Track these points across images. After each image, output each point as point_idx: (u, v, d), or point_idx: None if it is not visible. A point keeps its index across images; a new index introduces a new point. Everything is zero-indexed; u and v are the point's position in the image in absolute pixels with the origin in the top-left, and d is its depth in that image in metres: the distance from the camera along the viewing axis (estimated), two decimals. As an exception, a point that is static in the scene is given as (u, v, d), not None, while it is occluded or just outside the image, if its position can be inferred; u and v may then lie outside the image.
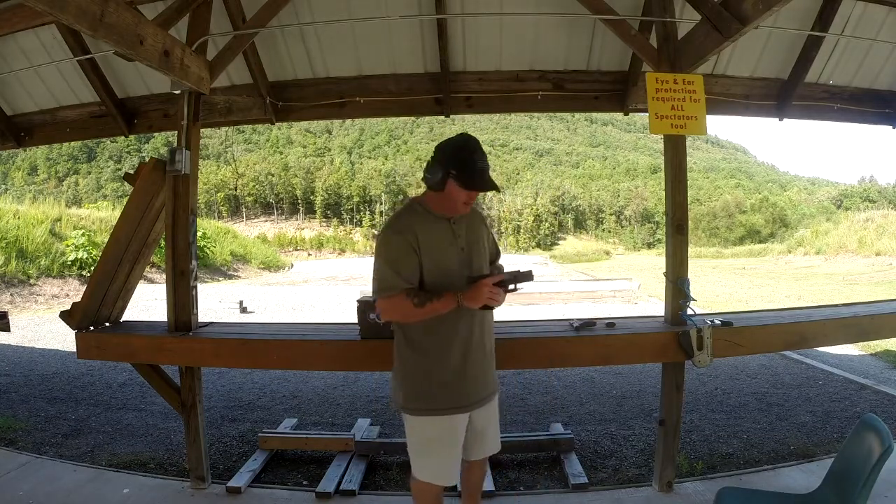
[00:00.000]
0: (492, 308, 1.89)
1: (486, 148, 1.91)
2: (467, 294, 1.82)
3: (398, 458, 3.32)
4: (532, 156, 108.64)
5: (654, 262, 30.47)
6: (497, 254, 2.18)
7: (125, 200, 2.90)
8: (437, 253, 1.89)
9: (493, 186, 1.86)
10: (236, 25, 3.04)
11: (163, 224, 2.87)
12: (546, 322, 2.80)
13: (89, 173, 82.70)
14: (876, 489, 1.67)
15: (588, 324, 2.70)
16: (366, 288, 16.68)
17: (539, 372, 5.46)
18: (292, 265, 32.20)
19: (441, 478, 1.98)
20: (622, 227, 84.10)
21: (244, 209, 77.76)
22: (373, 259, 1.94)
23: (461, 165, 1.84)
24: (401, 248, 1.87)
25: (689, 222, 2.79)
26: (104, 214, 18.89)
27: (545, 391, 5.02)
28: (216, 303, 11.77)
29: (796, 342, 2.84)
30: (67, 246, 14.66)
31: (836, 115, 3.74)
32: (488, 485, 2.81)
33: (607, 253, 57.82)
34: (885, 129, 3.89)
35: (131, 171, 2.82)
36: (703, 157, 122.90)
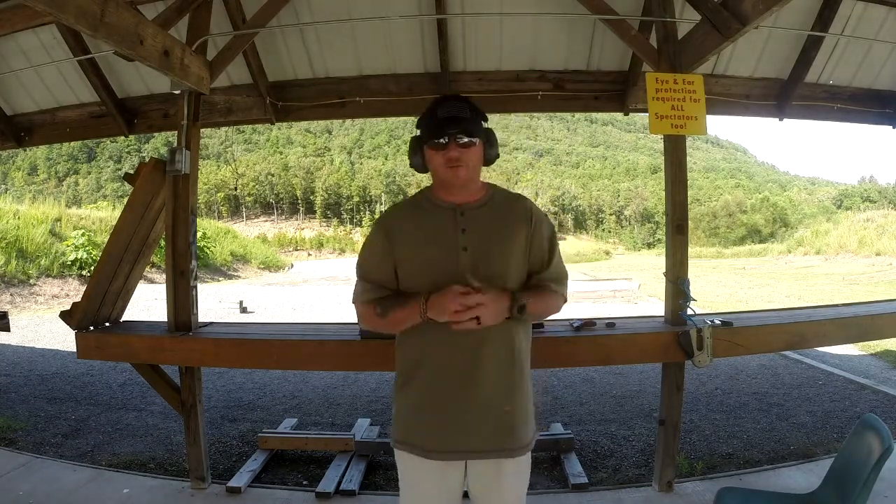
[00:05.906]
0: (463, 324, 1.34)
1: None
2: (431, 301, 1.37)
3: (398, 458, 3.32)
4: (532, 156, 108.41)
5: (654, 262, 30.44)
6: (544, 266, 1.53)
7: (125, 200, 2.90)
8: (419, 248, 1.47)
9: (456, 125, 1.40)
10: (236, 25, 3.04)
11: (163, 224, 2.87)
12: (546, 322, 2.79)
13: (89, 173, 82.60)
14: (876, 489, 1.67)
15: (588, 324, 2.69)
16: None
17: (539, 372, 5.44)
18: (292, 265, 32.17)
19: None
20: (622, 227, 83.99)
21: (244, 209, 77.72)
22: None
23: (422, 123, 1.49)
24: (374, 248, 1.53)
25: (690, 222, 2.78)
26: (104, 214, 18.89)
27: (545, 391, 5.02)
28: (216, 303, 11.77)
29: (796, 342, 2.83)
30: (67, 246, 14.65)
31: (836, 115, 3.74)
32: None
33: (607, 253, 57.75)
34: (885, 129, 3.89)
35: (131, 171, 2.81)
36: (703, 157, 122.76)
